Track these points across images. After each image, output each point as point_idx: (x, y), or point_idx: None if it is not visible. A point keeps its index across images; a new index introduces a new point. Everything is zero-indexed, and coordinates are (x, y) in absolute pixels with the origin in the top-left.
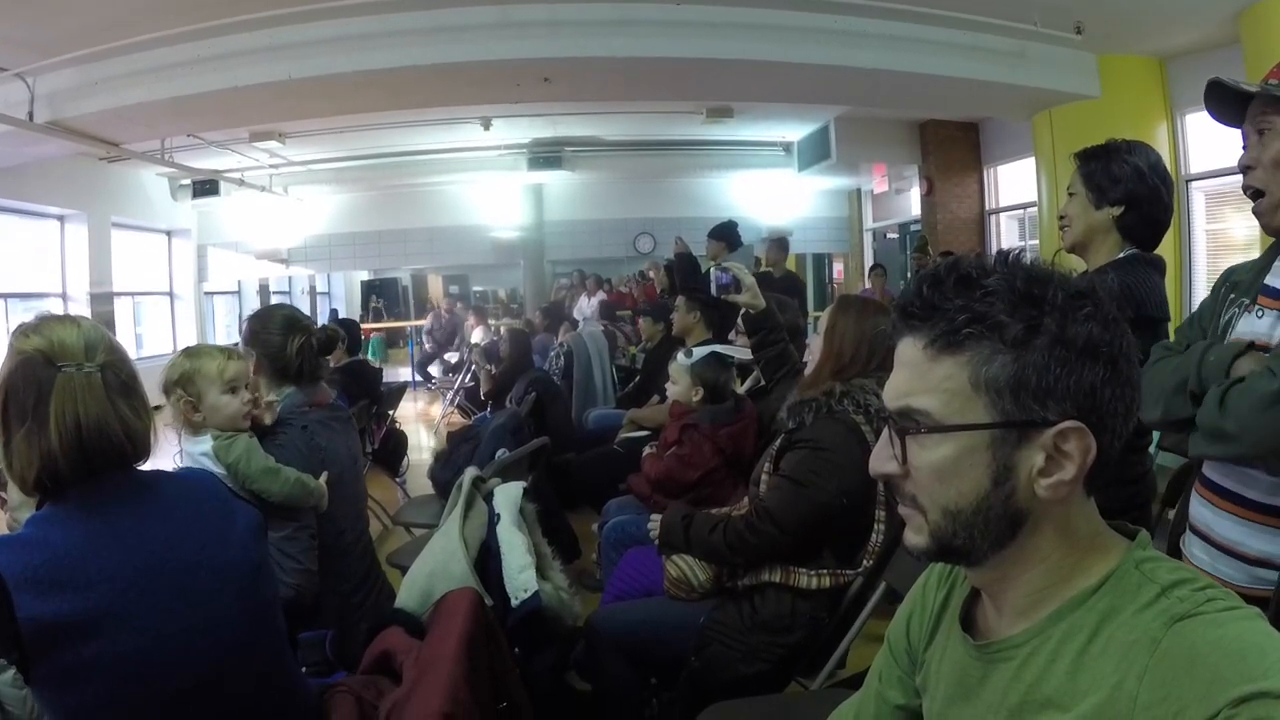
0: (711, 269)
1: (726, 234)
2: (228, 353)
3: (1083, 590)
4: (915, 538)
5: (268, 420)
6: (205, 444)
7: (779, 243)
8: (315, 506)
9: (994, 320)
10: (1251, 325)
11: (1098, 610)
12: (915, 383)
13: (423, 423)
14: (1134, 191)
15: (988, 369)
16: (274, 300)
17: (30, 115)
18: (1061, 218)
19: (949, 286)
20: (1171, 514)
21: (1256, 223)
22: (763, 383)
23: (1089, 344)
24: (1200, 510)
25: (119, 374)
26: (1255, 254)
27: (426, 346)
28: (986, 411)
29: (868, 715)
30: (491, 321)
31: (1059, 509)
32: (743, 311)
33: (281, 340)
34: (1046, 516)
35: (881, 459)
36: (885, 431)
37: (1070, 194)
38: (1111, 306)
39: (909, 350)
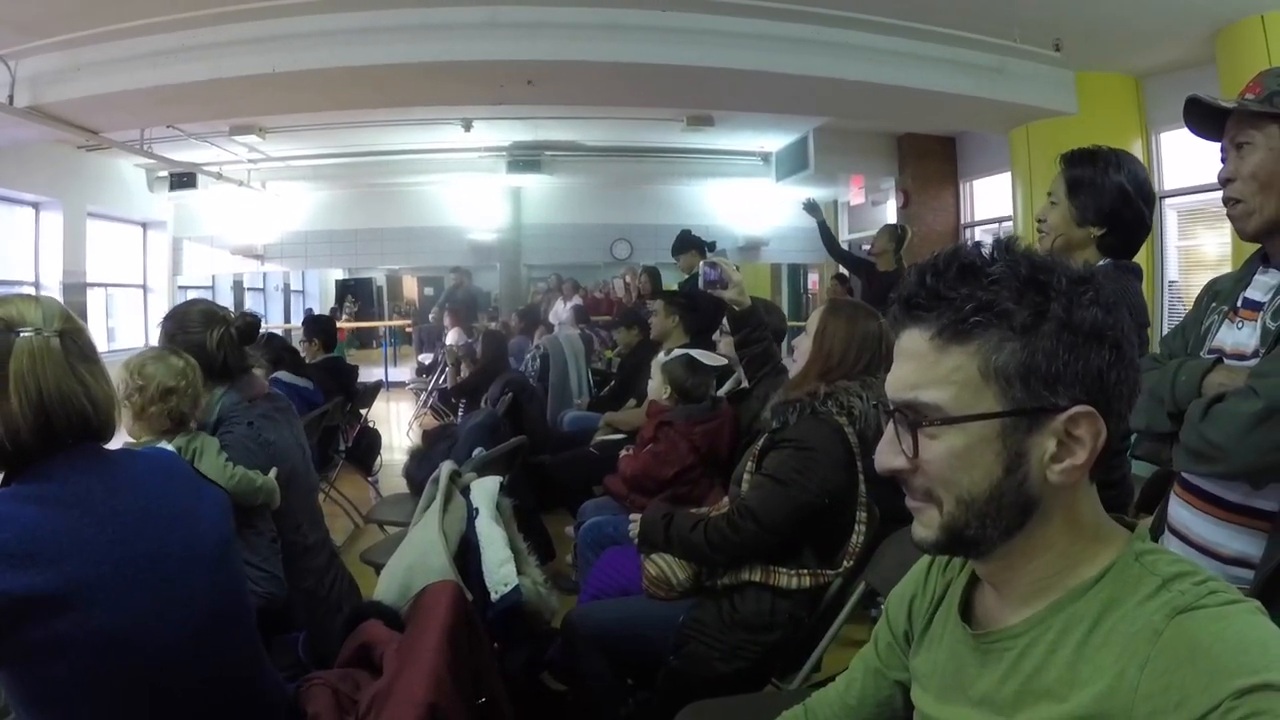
0: (700, 265)
1: (690, 243)
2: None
3: (1085, 580)
4: (924, 531)
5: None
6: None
7: (891, 231)
8: (268, 504)
9: (1001, 308)
10: (1232, 335)
11: (1099, 600)
12: (923, 374)
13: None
14: (1118, 214)
15: (997, 357)
16: (249, 296)
17: (10, 99)
18: (1040, 221)
19: (952, 276)
20: (1146, 520)
21: (1228, 240)
22: (744, 384)
23: (1095, 328)
24: (1179, 511)
25: (78, 340)
26: (1226, 271)
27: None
28: (997, 400)
29: (861, 691)
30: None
31: (1068, 495)
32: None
33: (201, 337)
34: (1057, 503)
35: (888, 454)
36: (890, 426)
37: (1052, 201)
38: (1110, 290)
39: (914, 341)
